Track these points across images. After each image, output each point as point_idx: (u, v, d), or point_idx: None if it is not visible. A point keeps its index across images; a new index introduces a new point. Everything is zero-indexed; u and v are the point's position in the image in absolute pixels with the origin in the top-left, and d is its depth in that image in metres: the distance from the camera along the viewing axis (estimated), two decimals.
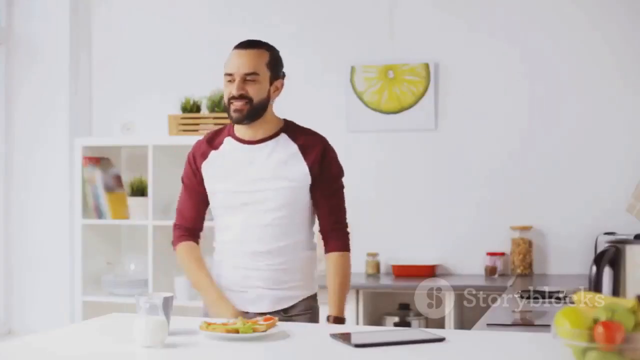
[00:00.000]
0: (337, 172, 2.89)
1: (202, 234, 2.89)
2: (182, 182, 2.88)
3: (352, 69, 4.67)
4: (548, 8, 4.50)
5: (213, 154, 2.79)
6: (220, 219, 2.82)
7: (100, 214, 4.62)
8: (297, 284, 2.79)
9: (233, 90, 2.67)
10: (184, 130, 4.52)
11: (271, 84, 2.74)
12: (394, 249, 4.60)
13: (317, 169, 2.76)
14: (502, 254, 4.45)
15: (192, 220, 2.84)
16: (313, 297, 2.86)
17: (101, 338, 2.23)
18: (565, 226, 4.42)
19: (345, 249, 2.90)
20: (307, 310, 2.80)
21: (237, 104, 2.68)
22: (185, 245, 2.82)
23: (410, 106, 4.61)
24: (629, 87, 4.39)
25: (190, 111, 4.60)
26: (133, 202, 4.58)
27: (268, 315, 2.29)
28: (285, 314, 2.74)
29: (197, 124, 4.54)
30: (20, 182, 4.81)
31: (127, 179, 4.70)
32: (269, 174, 2.72)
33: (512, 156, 4.50)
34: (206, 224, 2.91)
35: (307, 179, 2.75)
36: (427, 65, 4.58)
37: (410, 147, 4.64)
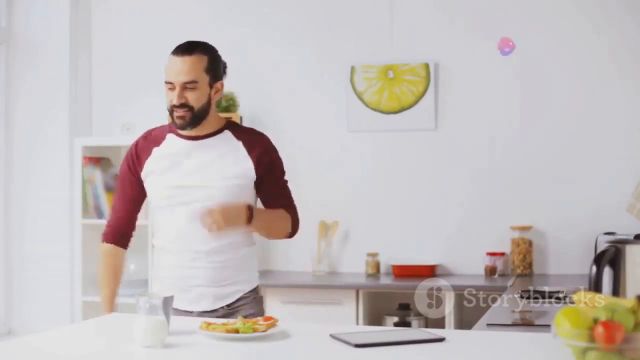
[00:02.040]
0: (282, 168, 2.89)
1: (132, 236, 2.96)
2: (118, 181, 2.91)
3: (352, 69, 4.67)
4: (547, 8, 4.50)
5: (155, 150, 2.82)
6: (161, 217, 2.84)
7: (100, 214, 4.62)
8: (238, 279, 2.79)
9: (174, 99, 2.71)
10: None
11: (211, 87, 2.75)
12: (394, 249, 4.60)
13: (262, 166, 2.77)
14: (502, 254, 4.45)
15: (124, 221, 2.91)
16: (254, 290, 2.86)
17: (101, 338, 2.23)
18: (565, 226, 4.42)
19: (292, 217, 2.88)
20: (247, 298, 2.80)
21: (179, 112, 2.72)
22: (108, 248, 2.89)
23: (410, 106, 4.61)
24: (629, 87, 4.39)
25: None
26: None
27: (266, 316, 2.28)
28: (228, 308, 2.76)
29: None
30: (20, 182, 4.81)
31: None
32: (211, 171, 2.73)
33: (512, 156, 4.51)
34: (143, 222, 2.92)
35: (252, 176, 2.76)
36: (427, 65, 4.58)
37: (410, 147, 4.64)
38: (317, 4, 4.77)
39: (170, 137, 2.82)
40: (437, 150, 4.61)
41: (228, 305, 2.77)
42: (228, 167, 2.73)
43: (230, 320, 2.23)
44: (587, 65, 4.41)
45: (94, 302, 4.58)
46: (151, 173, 2.80)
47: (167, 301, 2.16)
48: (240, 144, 2.77)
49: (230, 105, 4.53)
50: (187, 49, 2.74)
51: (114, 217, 2.91)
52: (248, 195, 2.77)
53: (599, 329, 1.59)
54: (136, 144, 2.88)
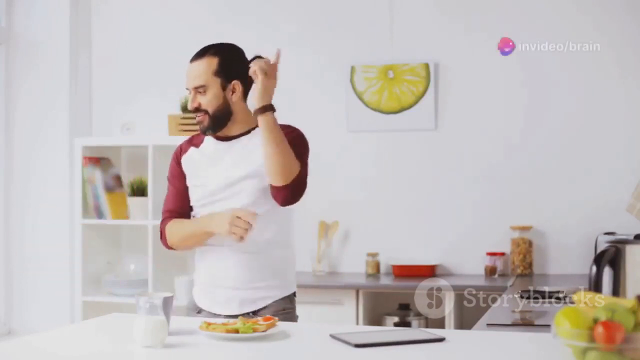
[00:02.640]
0: (303, 159, 2.76)
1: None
2: (168, 180, 2.89)
3: (352, 69, 4.67)
4: (547, 8, 4.50)
5: (192, 150, 2.83)
6: (198, 209, 2.80)
7: (100, 214, 4.62)
8: (267, 284, 2.70)
9: (191, 103, 2.75)
10: (184, 130, 4.52)
11: (224, 88, 2.73)
12: (394, 249, 4.60)
13: None
14: (502, 254, 4.45)
15: (179, 211, 2.82)
16: (288, 299, 2.76)
17: (101, 338, 2.23)
18: (565, 226, 4.42)
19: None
20: (278, 312, 2.66)
21: (197, 117, 2.75)
22: (171, 221, 2.79)
23: (410, 106, 4.61)
24: (630, 87, 4.39)
25: (190, 111, 4.59)
26: (133, 202, 4.59)
27: (266, 317, 2.28)
28: (254, 315, 2.64)
29: (197, 124, 4.53)
30: (20, 182, 4.81)
31: (127, 179, 4.70)
32: (241, 169, 2.71)
33: (512, 156, 4.51)
34: None
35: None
36: (427, 65, 4.58)
37: (410, 147, 4.64)
38: (317, 4, 4.77)
39: (207, 139, 2.82)
40: (437, 150, 4.61)
41: (254, 313, 2.66)
42: (256, 162, 2.69)
43: (231, 321, 2.22)
44: (587, 65, 4.41)
45: (94, 302, 4.58)
46: (188, 173, 2.81)
47: (167, 301, 2.16)
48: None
49: None
50: (199, 53, 2.76)
51: (168, 212, 2.83)
52: (269, 196, 2.71)
53: (599, 329, 1.59)
54: (179, 146, 2.90)
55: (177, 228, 2.77)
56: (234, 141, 2.76)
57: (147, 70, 4.92)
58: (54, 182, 4.76)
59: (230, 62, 2.75)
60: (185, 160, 2.83)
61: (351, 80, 4.67)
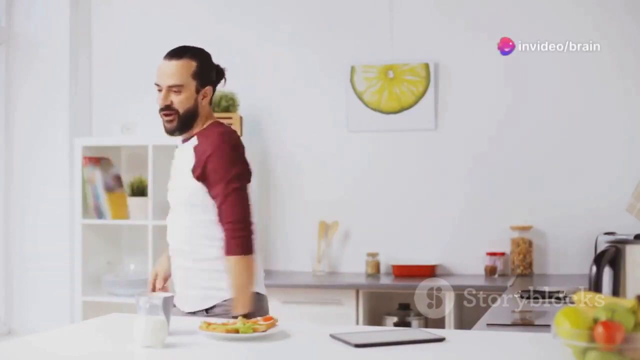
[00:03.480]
0: (224, 173, 2.74)
1: None
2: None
3: (352, 69, 4.67)
4: (547, 8, 4.50)
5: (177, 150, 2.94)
6: None
7: (100, 214, 4.62)
8: (212, 284, 2.76)
9: (160, 102, 2.78)
10: None
11: (198, 92, 2.79)
12: (394, 249, 4.60)
13: (199, 169, 2.75)
14: (502, 254, 4.45)
15: None
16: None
17: (101, 338, 2.23)
18: (565, 226, 4.42)
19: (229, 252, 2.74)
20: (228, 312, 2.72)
21: (166, 116, 2.79)
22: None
23: (410, 106, 4.61)
24: (629, 87, 4.39)
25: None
26: (133, 202, 4.59)
27: (266, 316, 2.28)
28: (207, 313, 2.74)
29: None
30: (20, 182, 4.81)
31: (127, 179, 4.70)
32: (175, 177, 2.86)
33: (512, 156, 4.50)
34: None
35: (192, 183, 2.77)
36: (427, 65, 4.58)
37: (410, 147, 4.64)
38: (317, 4, 4.77)
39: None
40: (437, 150, 4.61)
41: (206, 311, 2.75)
42: (182, 171, 2.80)
43: (231, 320, 2.23)
44: (587, 65, 4.41)
45: (94, 302, 4.58)
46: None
47: (167, 301, 2.16)
48: (192, 147, 2.80)
49: (230, 105, 4.53)
50: (177, 53, 2.81)
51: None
52: (196, 200, 2.76)
53: (599, 329, 1.59)
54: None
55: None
56: (182, 146, 2.87)
57: (147, 70, 4.86)
58: (54, 182, 4.76)
59: (206, 68, 2.83)
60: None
61: (351, 80, 4.67)
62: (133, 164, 4.78)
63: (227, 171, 2.70)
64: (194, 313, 2.76)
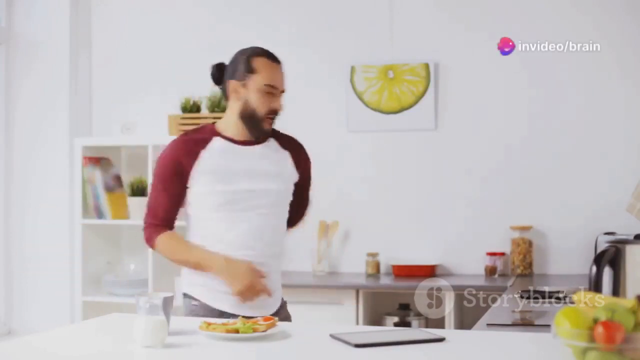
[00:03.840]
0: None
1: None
2: (158, 182, 2.75)
3: (352, 69, 4.67)
4: (547, 8, 4.50)
5: (203, 153, 2.71)
6: (215, 222, 2.71)
7: (100, 214, 4.62)
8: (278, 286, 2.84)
9: (277, 105, 2.75)
10: (184, 130, 4.52)
11: None
12: (394, 249, 4.60)
13: (304, 178, 2.92)
14: (502, 254, 4.45)
15: (167, 219, 2.76)
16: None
17: (101, 338, 2.23)
18: (565, 226, 4.42)
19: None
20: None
21: (272, 119, 2.76)
22: (166, 235, 2.74)
23: (410, 106, 4.61)
24: (629, 87, 4.39)
25: (190, 111, 4.60)
26: (133, 202, 4.58)
27: (266, 316, 2.28)
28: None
29: (197, 124, 4.53)
30: (20, 182, 4.81)
31: (127, 179, 4.70)
32: (268, 177, 2.76)
33: (512, 156, 4.51)
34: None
35: (294, 184, 2.87)
36: (427, 65, 4.58)
37: (410, 147, 4.64)
38: (317, 4, 4.77)
39: (217, 139, 2.74)
40: (437, 150, 4.61)
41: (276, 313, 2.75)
42: (281, 173, 2.79)
43: (231, 320, 2.23)
44: (587, 65, 4.41)
45: (94, 302, 4.58)
46: (205, 177, 2.69)
47: (167, 301, 2.16)
48: (287, 153, 2.85)
49: None
50: (278, 58, 2.82)
51: (156, 218, 2.76)
52: (289, 200, 2.86)
53: (599, 329, 1.59)
54: (178, 148, 2.73)
55: (170, 247, 2.75)
56: (253, 147, 2.77)
57: (147, 71, 4.92)
58: (54, 182, 4.76)
59: None
60: (199, 166, 2.70)
61: (351, 80, 4.67)
62: (133, 164, 4.78)
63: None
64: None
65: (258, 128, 2.72)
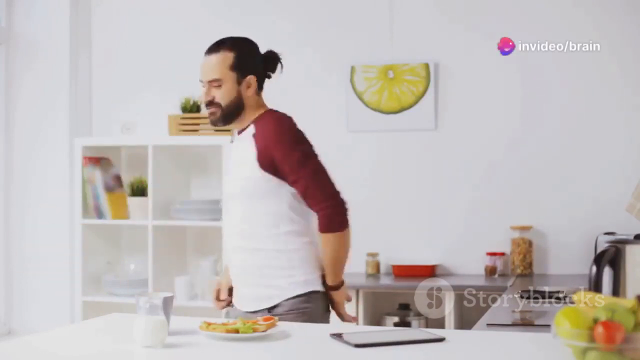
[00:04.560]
0: (292, 158, 2.71)
1: None
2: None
3: (352, 69, 4.67)
4: (547, 8, 4.50)
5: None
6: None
7: (100, 214, 4.62)
8: (274, 282, 2.72)
9: (204, 97, 2.79)
10: (184, 130, 4.52)
11: (240, 83, 2.76)
12: (394, 249, 4.60)
13: (263, 157, 2.70)
14: (502, 254, 4.45)
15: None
16: (299, 299, 2.73)
17: (101, 338, 2.23)
18: (565, 226, 4.42)
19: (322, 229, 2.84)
20: (287, 308, 2.70)
21: (209, 109, 2.79)
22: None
23: (410, 106, 4.61)
24: (629, 87, 4.39)
25: (190, 111, 4.60)
26: (133, 202, 4.59)
27: (266, 317, 2.28)
28: (269, 312, 2.68)
29: (197, 124, 4.54)
30: (20, 182, 4.81)
31: (127, 179, 4.70)
32: (235, 168, 2.81)
33: (512, 156, 4.50)
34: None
35: (256, 168, 2.70)
36: (427, 65, 4.58)
37: (410, 147, 4.64)
38: (317, 4, 4.77)
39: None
40: (437, 150, 4.61)
41: (268, 310, 2.69)
42: (241, 158, 2.75)
43: (231, 320, 2.23)
44: (587, 65, 4.41)
45: (94, 302, 4.58)
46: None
47: (167, 301, 2.16)
48: (252, 132, 2.77)
49: None
50: (214, 46, 2.78)
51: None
52: (260, 189, 2.70)
53: (599, 329, 1.59)
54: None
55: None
56: (239, 136, 2.83)
57: (147, 70, 4.92)
58: (54, 182, 4.76)
59: (246, 57, 2.79)
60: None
61: (351, 80, 4.67)
62: (133, 164, 4.78)
63: (295, 154, 2.70)
64: (255, 312, 2.69)
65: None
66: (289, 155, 2.69)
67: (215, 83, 2.74)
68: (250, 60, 2.80)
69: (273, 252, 2.72)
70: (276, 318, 2.25)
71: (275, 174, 2.69)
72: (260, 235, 2.72)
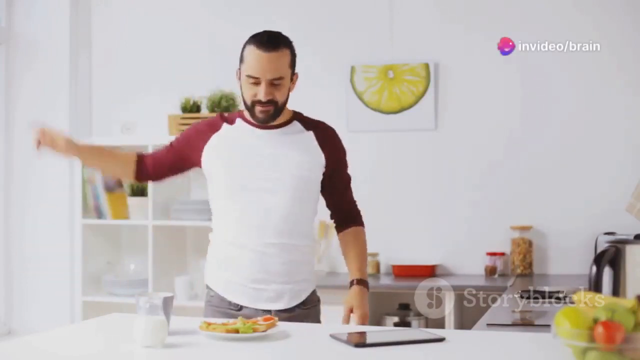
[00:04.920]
0: (347, 165, 2.96)
1: (148, 173, 2.86)
2: (170, 144, 2.84)
3: (352, 69, 4.67)
4: (547, 8, 4.50)
5: (226, 127, 2.75)
6: (226, 208, 2.71)
7: (100, 214, 4.62)
8: (309, 277, 2.81)
9: (260, 95, 2.64)
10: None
11: (292, 80, 2.75)
12: (394, 249, 4.60)
13: (333, 160, 2.81)
14: (502, 254, 4.45)
15: (157, 162, 2.84)
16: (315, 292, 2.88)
17: (101, 338, 2.23)
18: (565, 226, 4.42)
19: (360, 224, 3.01)
20: (312, 300, 2.84)
21: (264, 107, 2.66)
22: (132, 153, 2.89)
23: (410, 106, 4.61)
24: (629, 87, 4.39)
25: (190, 111, 4.60)
26: (133, 202, 4.59)
27: (266, 317, 2.28)
28: (304, 307, 2.76)
29: None
30: (20, 182, 4.81)
31: None
32: (284, 161, 2.69)
33: (512, 156, 4.51)
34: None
35: (322, 169, 2.77)
36: (427, 65, 4.58)
37: (410, 147, 4.64)
38: (317, 4, 4.77)
39: (240, 121, 2.76)
40: (437, 150, 4.61)
41: (303, 304, 2.74)
42: (300, 156, 2.71)
43: (231, 320, 2.23)
44: (587, 65, 4.41)
45: (94, 302, 4.59)
46: (216, 159, 2.71)
47: (167, 301, 2.16)
48: (310, 134, 2.77)
49: (230, 105, 4.53)
50: (273, 44, 2.65)
51: (152, 155, 2.87)
52: (314, 189, 2.76)
53: (599, 329, 1.59)
54: (206, 121, 2.80)
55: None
56: (275, 131, 2.73)
57: (147, 70, 4.92)
58: (54, 182, 4.76)
59: (295, 55, 2.77)
60: (217, 139, 2.72)
61: (351, 80, 4.67)
62: None
63: (346, 159, 2.92)
64: (288, 310, 2.68)
65: (253, 116, 2.71)
66: (344, 159, 2.93)
67: (277, 81, 2.65)
68: (296, 57, 2.78)
69: (310, 248, 2.79)
70: (276, 318, 2.25)
71: (326, 178, 2.80)
72: (305, 233, 2.75)
